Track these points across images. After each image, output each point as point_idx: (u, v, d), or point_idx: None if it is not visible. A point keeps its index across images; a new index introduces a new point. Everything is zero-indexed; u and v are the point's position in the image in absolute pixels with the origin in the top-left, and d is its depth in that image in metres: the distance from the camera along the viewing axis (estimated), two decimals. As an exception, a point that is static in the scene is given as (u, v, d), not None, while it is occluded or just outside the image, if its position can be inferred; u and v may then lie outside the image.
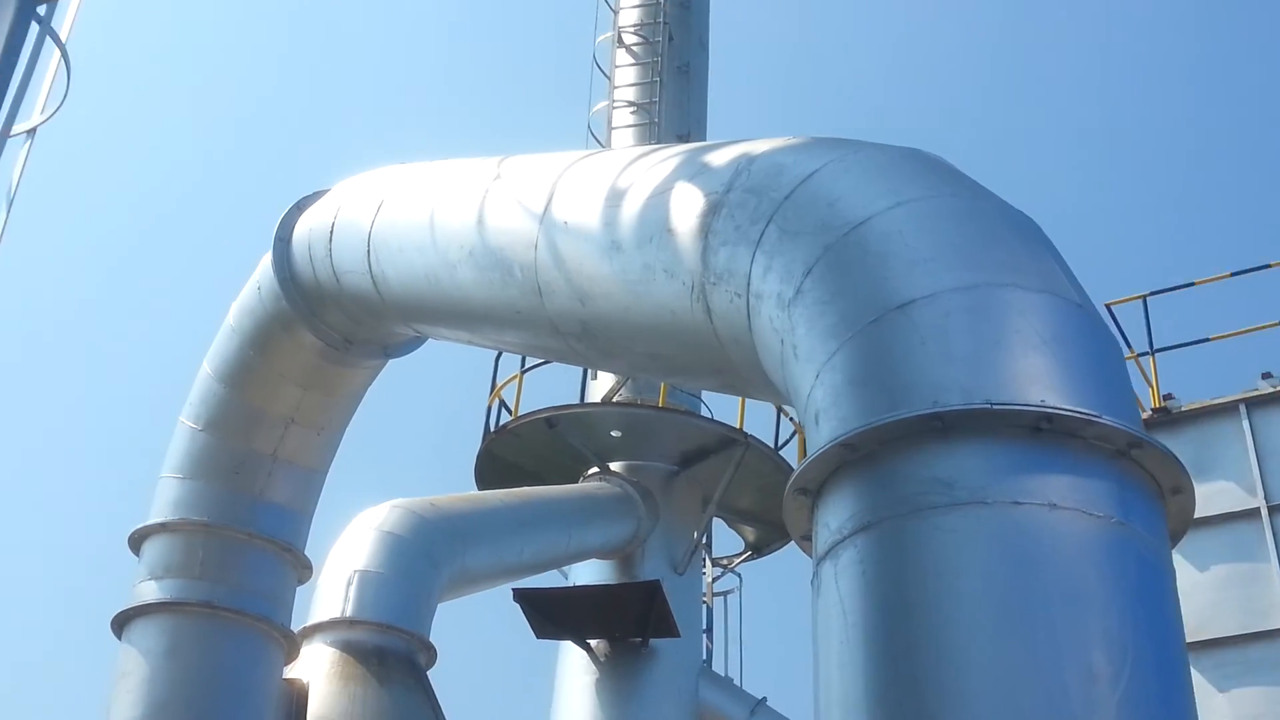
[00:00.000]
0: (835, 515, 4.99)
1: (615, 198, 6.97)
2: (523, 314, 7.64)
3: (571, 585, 14.92)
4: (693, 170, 6.66)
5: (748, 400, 15.11)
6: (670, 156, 7.01)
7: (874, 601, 4.68)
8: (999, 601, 4.43)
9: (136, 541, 9.33)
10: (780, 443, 15.43)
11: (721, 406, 15.91)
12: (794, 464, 15.35)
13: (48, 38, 6.31)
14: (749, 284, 5.95)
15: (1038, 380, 4.83)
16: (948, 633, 4.45)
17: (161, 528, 9.23)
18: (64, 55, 6.55)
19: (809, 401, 5.41)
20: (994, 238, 5.43)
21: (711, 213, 6.28)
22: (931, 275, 5.21)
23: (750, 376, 6.30)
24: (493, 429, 15.28)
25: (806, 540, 5.33)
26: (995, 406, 4.73)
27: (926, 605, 4.53)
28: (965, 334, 5.00)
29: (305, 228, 9.85)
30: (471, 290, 8.00)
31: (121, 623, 8.94)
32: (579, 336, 7.34)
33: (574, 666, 14.52)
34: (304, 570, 9.62)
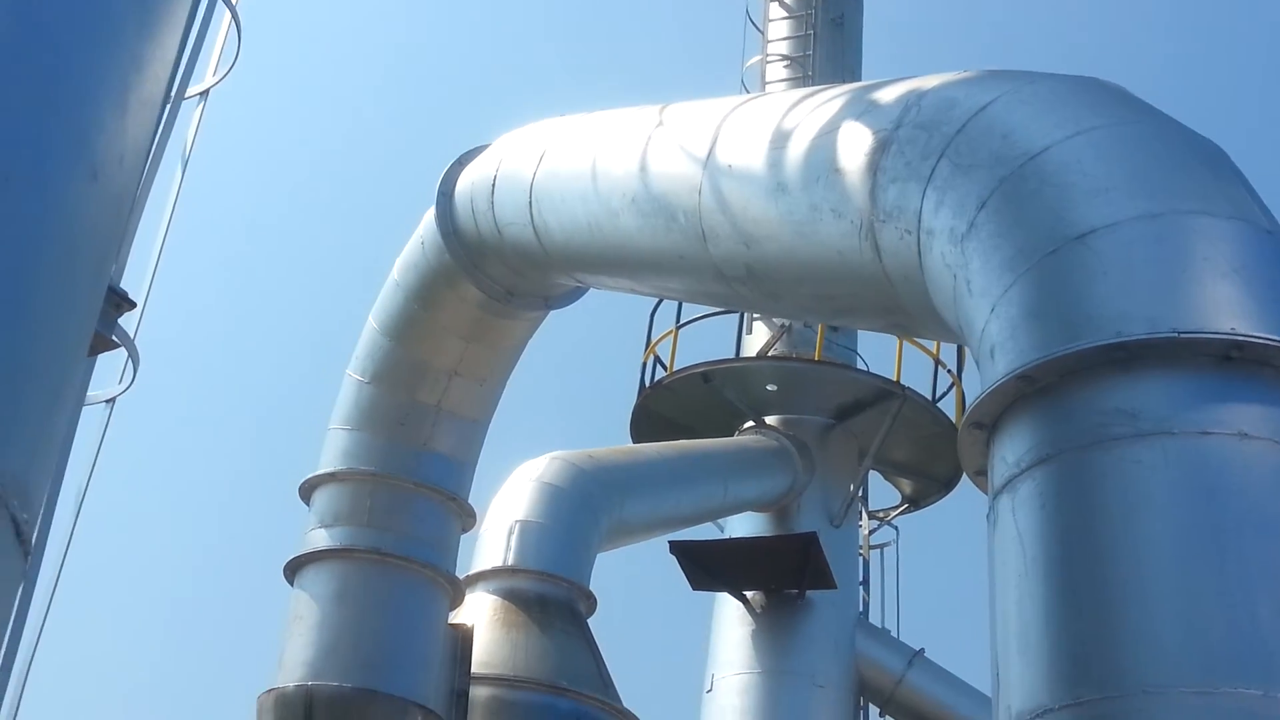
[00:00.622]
0: (1013, 449, 4.91)
1: (780, 139, 6.92)
2: (686, 259, 7.62)
3: (727, 538, 14.94)
4: (860, 109, 6.58)
5: (905, 352, 14.97)
6: (836, 96, 6.94)
7: (1054, 535, 4.61)
8: (1187, 533, 4.33)
9: (307, 491, 9.57)
10: (938, 395, 15.23)
11: (878, 359, 15.77)
12: (951, 417, 15.17)
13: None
14: (919, 220, 5.87)
15: (1226, 308, 4.70)
16: (1133, 565, 4.36)
17: (330, 477, 9.44)
18: (235, 17, 6.68)
19: (983, 336, 5.33)
20: (1179, 164, 5.29)
21: (880, 150, 6.20)
22: (1113, 204, 5.09)
23: (920, 315, 6.22)
24: (648, 384, 15.33)
25: (981, 476, 5.26)
26: (1182, 335, 4.61)
27: (1110, 537, 4.45)
28: (1149, 263, 4.87)
29: (467, 182, 9.95)
30: (635, 237, 8.01)
31: (293, 569, 9.19)
32: (744, 280, 7.31)
33: (730, 618, 14.55)
34: (467, 518, 9.77)
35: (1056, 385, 4.83)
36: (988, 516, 5.05)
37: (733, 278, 7.35)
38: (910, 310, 6.28)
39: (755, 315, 15.79)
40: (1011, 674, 4.60)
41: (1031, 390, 4.89)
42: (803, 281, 6.96)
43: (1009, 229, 5.36)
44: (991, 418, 5.09)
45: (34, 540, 2.60)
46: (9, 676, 5.89)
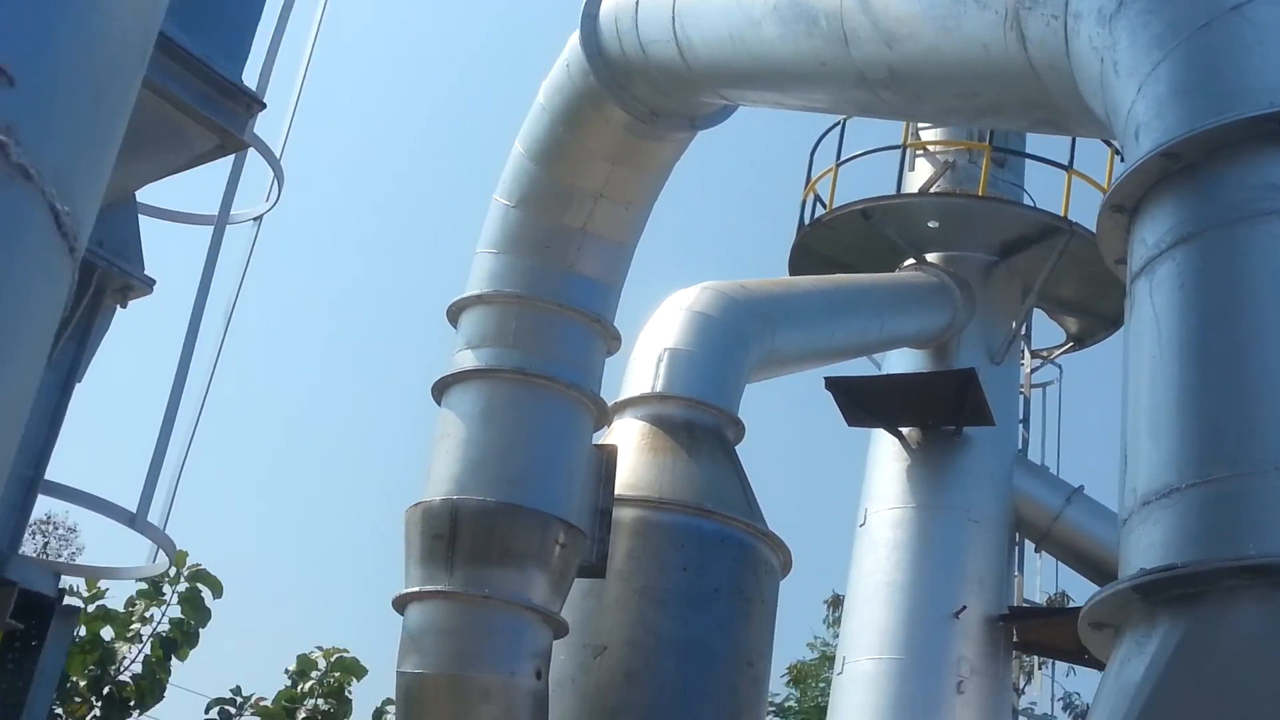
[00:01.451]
0: (1153, 230, 4.67)
1: (922, -70, 6.61)
2: (828, 66, 7.41)
3: (884, 374, 14.75)
4: (1004, -109, 6.23)
5: (1073, 187, 14.48)
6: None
7: (1192, 314, 4.38)
8: (1334, 310, 4.08)
9: (454, 314, 9.64)
10: (1106, 232, 14.71)
11: (1044, 195, 15.30)
12: (1120, 253, 14.67)
13: None
14: (1066, 4, 5.56)
15: (1387, 76, 4.36)
16: (1273, 341, 4.12)
17: (477, 299, 9.49)
18: None
19: (1129, 119, 5.05)
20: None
21: (1025, -67, 5.88)
22: (1273, -28, 4.74)
23: (1066, 107, 5.94)
24: (807, 222, 15.10)
25: (1121, 264, 5.03)
26: (1340, 105, 4.30)
27: (1251, 315, 4.21)
28: (1310, 32, 4.53)
29: (611, 2, 9.81)
30: (777, 45, 7.81)
31: (441, 389, 9.30)
32: (886, 84, 7.08)
33: (885, 454, 14.43)
34: (613, 341, 9.75)
35: (1203, 162, 4.56)
36: (1125, 303, 4.83)
37: (875, 81, 7.11)
38: (1056, 102, 5.99)
39: (918, 152, 15.40)
40: (1140, 456, 4.43)
41: (1176, 168, 4.63)
42: (946, 80, 6.69)
43: (1159, 4, 5.05)
44: (1133, 200, 4.84)
45: (78, 238, 2.57)
46: (162, 461, 6.08)
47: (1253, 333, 4.17)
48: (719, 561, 10.04)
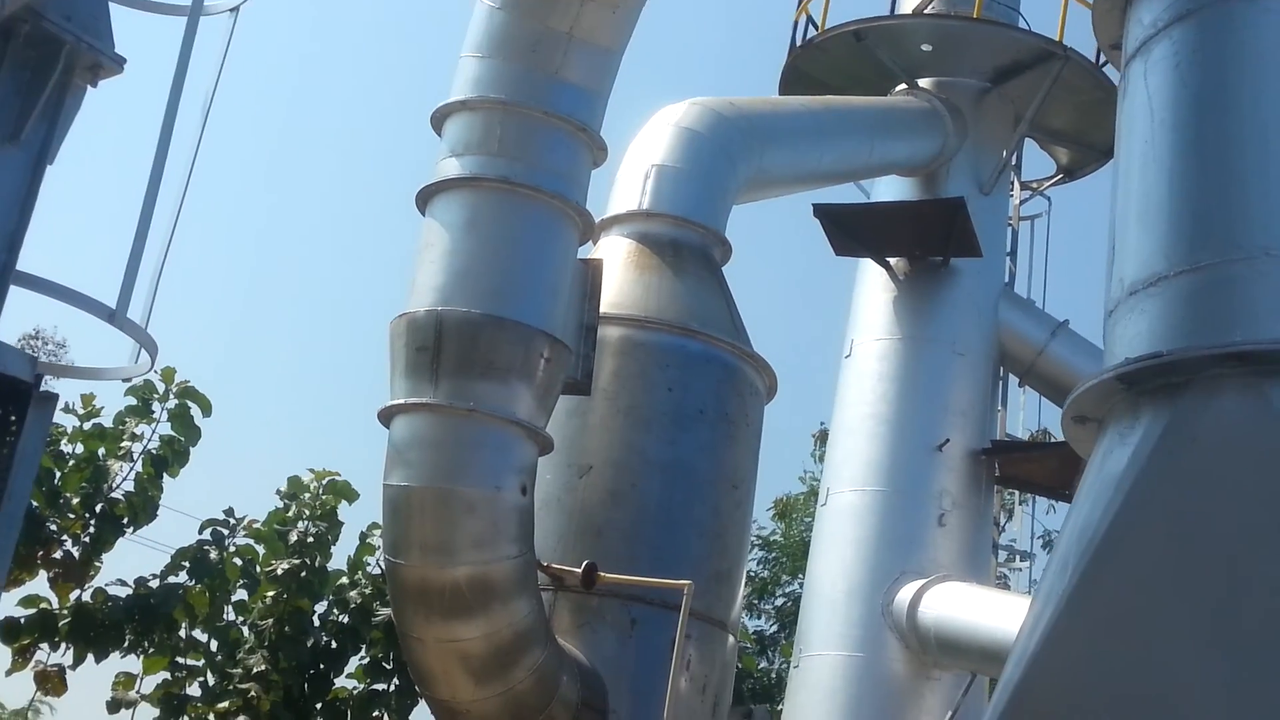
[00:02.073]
0: (1150, 9, 4.53)
1: None
2: None
3: (872, 201, 14.64)
4: None
5: (1069, 10, 14.23)
6: None
7: (1186, 95, 4.28)
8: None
9: (438, 120, 9.41)
10: (1101, 60, 14.49)
11: (1040, 20, 15.05)
12: (1115, 82, 14.47)
13: None
14: None
15: None
16: (1269, 123, 4.03)
17: (461, 105, 9.25)
18: None
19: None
20: None
21: None
22: None
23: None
24: (798, 43, 14.85)
25: (1115, 50, 4.90)
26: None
27: (1247, 95, 4.13)
28: None
29: None
30: None
31: (425, 198, 9.13)
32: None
33: (872, 285, 14.38)
34: (599, 152, 9.57)
35: (1202, -61, 4.40)
36: (1119, 88, 4.72)
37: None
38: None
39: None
40: (1128, 245, 4.37)
41: (1175, -54, 4.48)
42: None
43: None
44: (1130, -20, 4.71)
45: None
46: (140, 255, 6.00)
47: (1245, 114, 4.07)
48: (704, 382, 10.04)
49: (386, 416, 8.64)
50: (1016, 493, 17.89)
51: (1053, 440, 16.39)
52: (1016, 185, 15.77)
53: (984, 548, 14.21)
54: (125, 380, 6.77)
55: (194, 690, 17.27)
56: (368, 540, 19.00)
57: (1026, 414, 15.66)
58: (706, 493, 9.81)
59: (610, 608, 9.37)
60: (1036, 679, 3.63)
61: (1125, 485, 3.80)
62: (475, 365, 8.40)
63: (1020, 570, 16.48)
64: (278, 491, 18.73)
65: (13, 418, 5.18)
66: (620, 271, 10.19)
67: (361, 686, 18.53)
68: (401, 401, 8.49)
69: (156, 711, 17.01)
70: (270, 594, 17.97)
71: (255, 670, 17.25)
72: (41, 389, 5.21)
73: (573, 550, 9.42)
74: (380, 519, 18.11)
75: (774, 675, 24.10)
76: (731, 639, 10.00)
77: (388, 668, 18.47)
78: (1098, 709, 3.58)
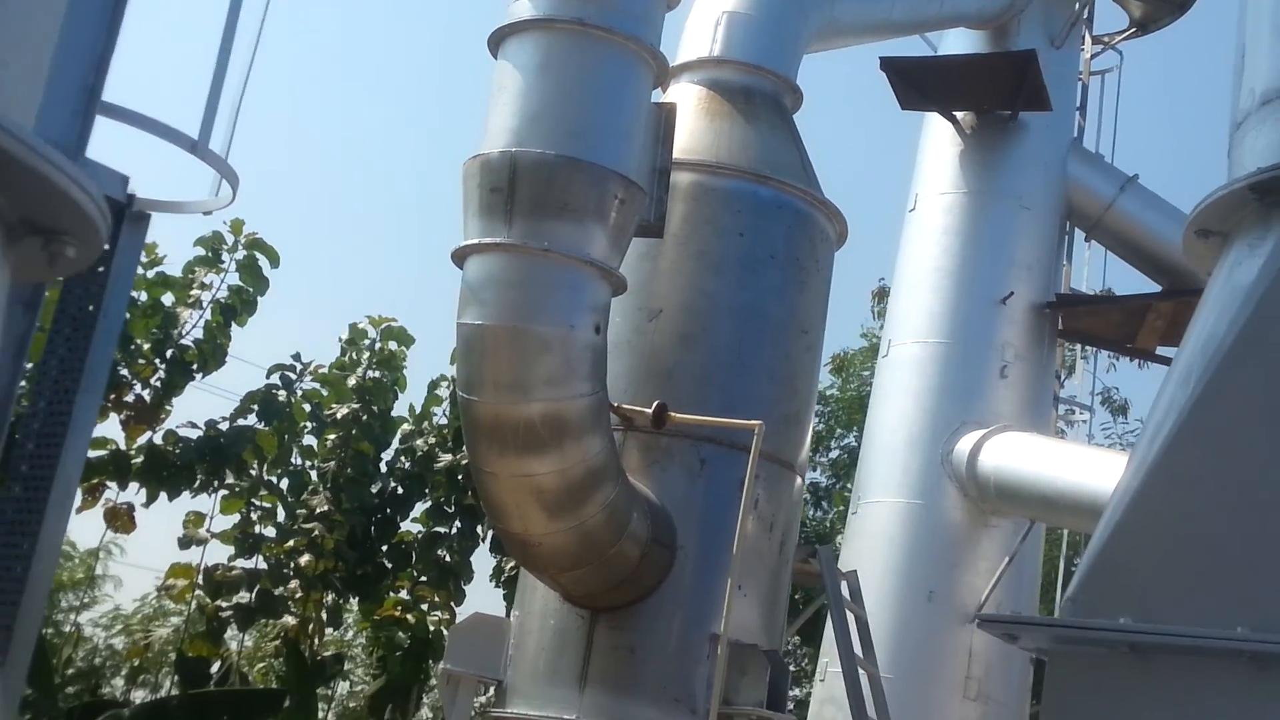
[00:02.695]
0: None
1: None
2: None
3: (941, 54, 14.47)
4: None
5: None
6: None
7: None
8: None
9: (511, -36, 9.37)
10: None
11: None
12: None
13: None
14: None
15: None
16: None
17: (534, -51, 9.19)
18: None
19: None
20: None
21: None
22: None
23: None
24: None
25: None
26: None
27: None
28: None
29: None
30: None
31: (497, 40, 9.09)
32: None
33: (939, 138, 14.32)
34: (673, -5, 9.51)
35: None
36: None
37: None
38: None
39: None
40: (1260, 55, 4.34)
41: None
42: None
43: None
44: None
45: None
46: (221, 86, 6.09)
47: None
48: (775, 227, 10.08)
49: (460, 257, 8.72)
50: (1078, 348, 17.90)
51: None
52: (1088, 39, 15.55)
53: (1044, 400, 14.30)
54: (206, 213, 6.84)
55: (268, 531, 17.80)
56: (435, 391, 19.37)
57: (1091, 270, 15.63)
58: (777, 337, 9.89)
59: (680, 447, 9.52)
60: (1157, 486, 3.71)
61: (1255, 296, 3.78)
62: (549, 205, 8.46)
63: (1080, 424, 16.57)
64: (340, 339, 19.09)
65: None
66: (691, 118, 10.18)
67: (425, 530, 19.04)
68: (476, 242, 8.56)
69: (227, 549, 17.51)
70: (332, 437, 18.40)
71: (319, 510, 17.74)
72: (134, 208, 5.32)
73: (643, 392, 9.56)
74: (447, 370, 18.44)
75: (828, 524, 24.44)
76: (799, 480, 10.16)
77: (449, 511, 18.95)
78: (1219, 514, 3.66)
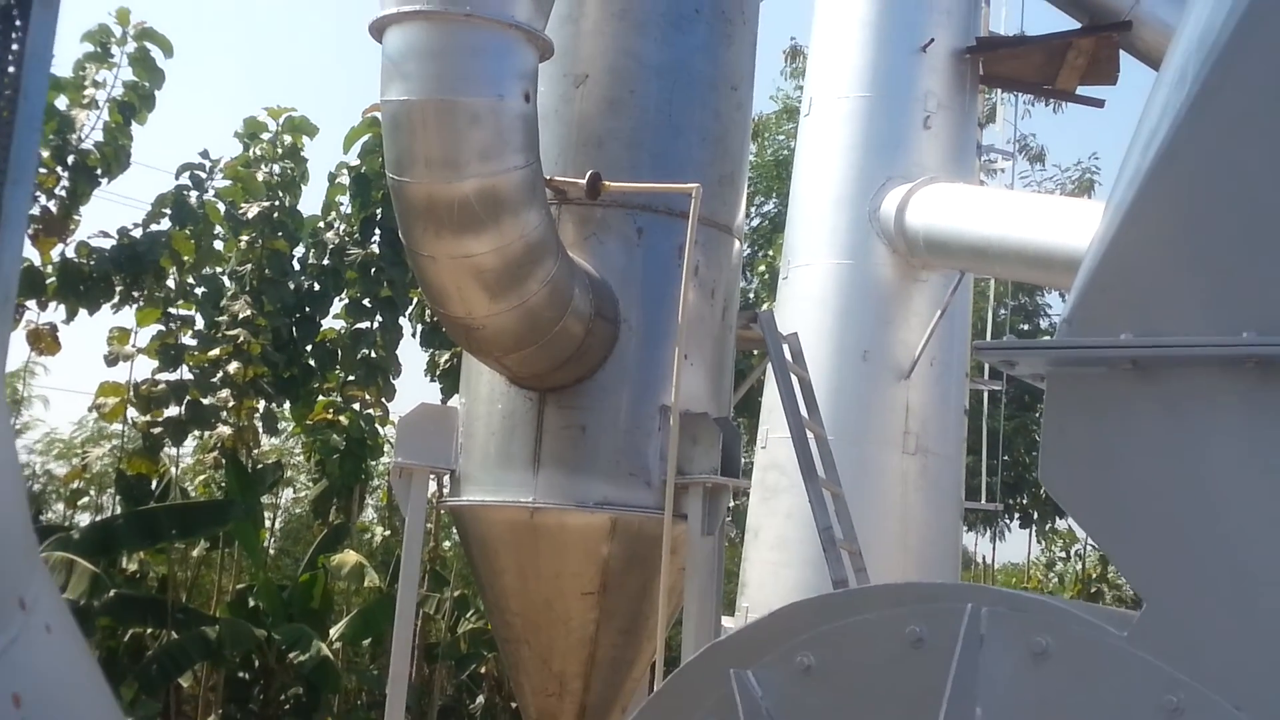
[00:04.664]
0: None
1: None
2: None
3: None
4: None
5: None
6: None
7: None
8: None
9: None
10: None
11: None
12: None
13: None
14: None
15: None
16: None
17: None
18: None
19: None
20: None
21: None
22: None
23: None
24: None
25: None
26: None
27: None
28: None
29: None
30: None
31: None
32: None
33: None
34: None
35: None
36: None
37: None
38: None
39: None
40: None
41: None
42: None
43: None
44: None
45: None
46: None
47: None
48: (699, -19, 9.72)
49: (379, 29, 8.29)
50: (996, 94, 17.78)
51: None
52: None
53: (968, 150, 14.23)
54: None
55: (189, 340, 17.50)
56: (337, 180, 18.93)
57: (1010, 10, 15.39)
58: (706, 96, 9.60)
59: (616, 217, 9.31)
60: (1154, 194, 3.58)
61: None
62: (469, -34, 8.04)
63: (1001, 172, 16.56)
64: (236, 134, 18.48)
65: (15, 10, 4.90)
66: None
67: (346, 327, 18.83)
68: (394, 10, 8.12)
69: (153, 363, 17.22)
70: (245, 238, 18.00)
71: (241, 316, 17.45)
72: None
73: (574, 162, 9.29)
74: (349, 159, 17.90)
75: (752, 294, 24.50)
76: (737, 244, 10.02)
77: (368, 306, 18.75)
78: (1222, 217, 3.54)
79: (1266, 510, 3.38)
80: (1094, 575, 27.82)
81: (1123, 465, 3.55)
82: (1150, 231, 3.63)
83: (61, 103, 15.44)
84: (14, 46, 4.89)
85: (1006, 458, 20.79)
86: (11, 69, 4.88)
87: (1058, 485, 3.73)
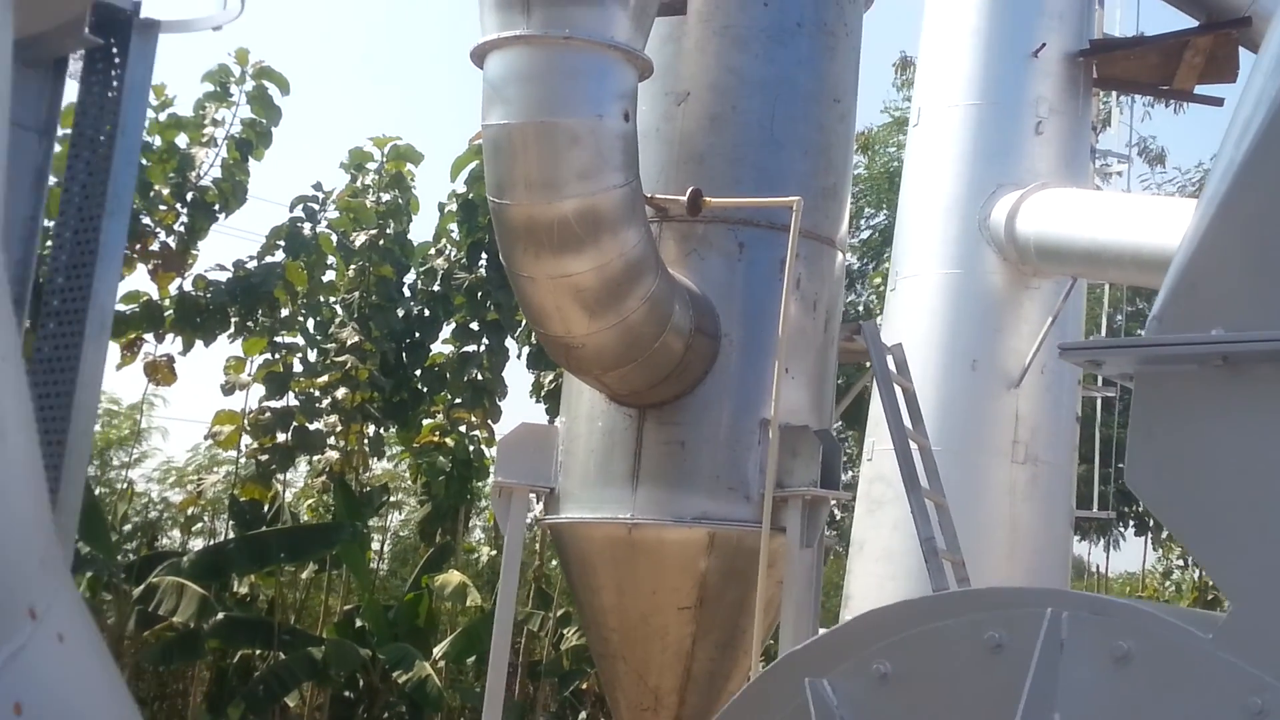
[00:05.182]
0: None
1: None
2: None
3: None
4: None
5: None
6: None
7: None
8: None
9: None
10: None
11: None
12: None
13: None
14: None
15: None
16: None
17: None
18: None
19: None
20: None
21: None
22: None
23: None
24: None
25: None
26: None
27: None
28: None
29: None
30: None
31: None
32: None
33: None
34: None
35: None
36: None
37: None
38: None
39: None
40: None
41: None
42: None
43: None
44: None
45: None
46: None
47: None
48: (799, -8, 9.73)
49: (480, 55, 8.42)
50: (1112, 98, 17.50)
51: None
52: None
53: (1081, 155, 14.02)
54: (216, 29, 6.57)
55: (297, 368, 17.85)
56: (448, 209, 19.20)
57: (1124, 13, 15.13)
58: (808, 109, 9.60)
59: (717, 233, 9.33)
60: (1249, 185, 3.50)
61: None
62: (567, -10, 8.13)
63: (1117, 176, 16.28)
64: (341, 165, 18.82)
65: (115, 49, 5.08)
66: (705, -113, 9.74)
67: (454, 351, 19.08)
68: (494, 36, 8.24)
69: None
70: (354, 266, 18.33)
71: (350, 343, 17.76)
72: (141, 16, 5.10)
73: (675, 179, 9.33)
74: (457, 187, 18.13)
75: (862, 307, 24.36)
76: (840, 256, 9.98)
77: (475, 330, 18.98)
78: None
79: (1358, 511, 3.30)
80: (1211, 583, 27.14)
81: (1211, 465, 3.49)
82: (1243, 225, 3.56)
83: (182, 141, 15.88)
84: (114, 84, 5.08)
85: (1121, 465, 20.38)
86: (111, 107, 5.07)
87: (1145, 487, 3.67)
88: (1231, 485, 3.45)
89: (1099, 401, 15.93)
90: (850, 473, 17.65)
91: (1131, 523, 26.46)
